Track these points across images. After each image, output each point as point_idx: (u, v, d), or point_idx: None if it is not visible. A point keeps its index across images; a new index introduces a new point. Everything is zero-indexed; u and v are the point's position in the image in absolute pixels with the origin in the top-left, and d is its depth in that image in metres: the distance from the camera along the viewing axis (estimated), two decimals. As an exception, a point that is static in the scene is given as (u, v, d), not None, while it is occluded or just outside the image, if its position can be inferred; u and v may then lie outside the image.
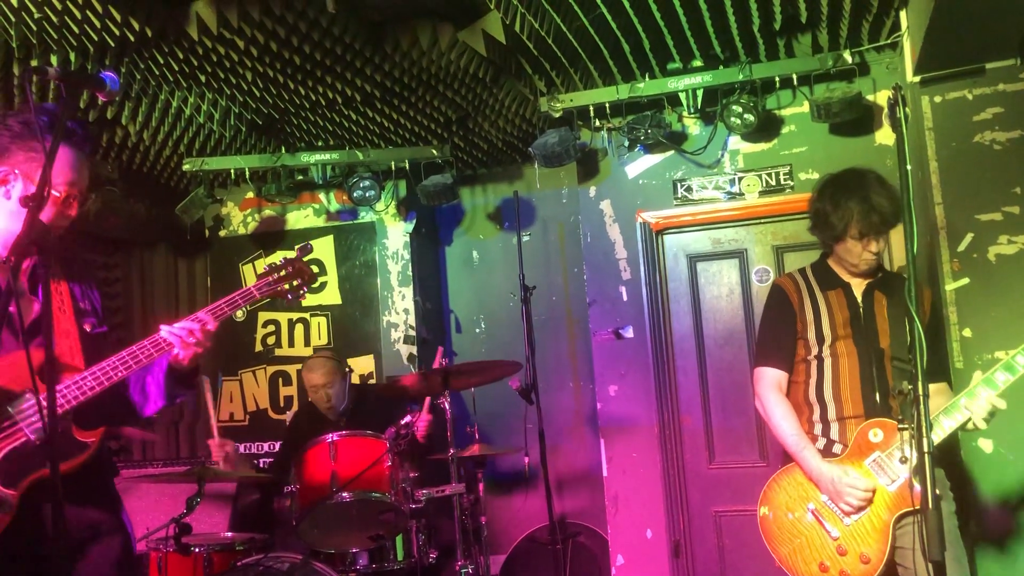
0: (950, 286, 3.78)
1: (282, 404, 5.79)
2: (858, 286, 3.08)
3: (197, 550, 3.94)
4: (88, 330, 2.39)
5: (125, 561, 2.35)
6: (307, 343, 5.78)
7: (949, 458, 3.74)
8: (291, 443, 4.61)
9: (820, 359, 3.04)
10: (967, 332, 3.75)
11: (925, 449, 2.04)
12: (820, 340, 3.04)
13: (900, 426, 2.73)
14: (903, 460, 2.77)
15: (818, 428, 3.02)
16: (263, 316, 5.87)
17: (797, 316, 3.09)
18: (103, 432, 2.30)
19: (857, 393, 2.96)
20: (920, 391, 2.05)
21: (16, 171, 2.24)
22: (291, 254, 2.77)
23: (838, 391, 2.99)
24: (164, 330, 2.35)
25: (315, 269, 5.77)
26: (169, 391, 2.44)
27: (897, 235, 3.05)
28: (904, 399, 2.79)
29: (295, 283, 2.70)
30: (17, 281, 2.23)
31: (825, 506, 2.92)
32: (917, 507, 2.73)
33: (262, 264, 5.86)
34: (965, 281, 3.75)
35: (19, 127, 2.25)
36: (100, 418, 2.33)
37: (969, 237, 3.78)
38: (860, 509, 2.84)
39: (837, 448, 2.96)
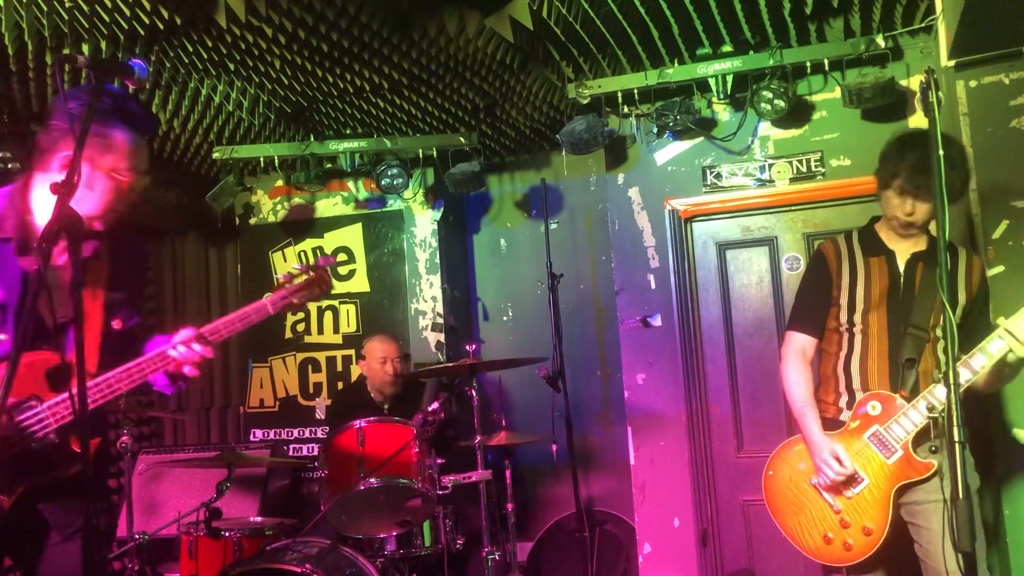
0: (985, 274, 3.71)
1: (311, 391, 5.83)
2: (903, 254, 3.00)
3: (227, 534, 3.98)
4: (117, 327, 2.40)
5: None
6: (336, 330, 5.81)
7: (984, 448, 3.69)
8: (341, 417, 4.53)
9: (851, 332, 3.01)
10: (1002, 320, 3.68)
11: (956, 438, 2.02)
12: (852, 308, 3.00)
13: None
14: (933, 449, 2.75)
15: (843, 400, 3.00)
16: (292, 303, 5.91)
17: (833, 282, 3.06)
18: (98, 443, 2.32)
19: (885, 368, 2.93)
20: (951, 380, 2.02)
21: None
22: (311, 259, 2.76)
23: (865, 365, 2.97)
24: (176, 352, 2.36)
25: (343, 257, 5.90)
26: (164, 383, 2.48)
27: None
28: (909, 371, 2.82)
29: (316, 291, 2.69)
30: (47, 271, 2.25)
31: None
32: (917, 478, 2.79)
33: (292, 252, 5.91)
34: (1001, 269, 3.69)
35: (86, 111, 2.21)
36: (100, 424, 2.36)
37: (1004, 224, 3.70)
38: (833, 488, 2.88)
39: (844, 416, 2.97)
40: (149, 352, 2.38)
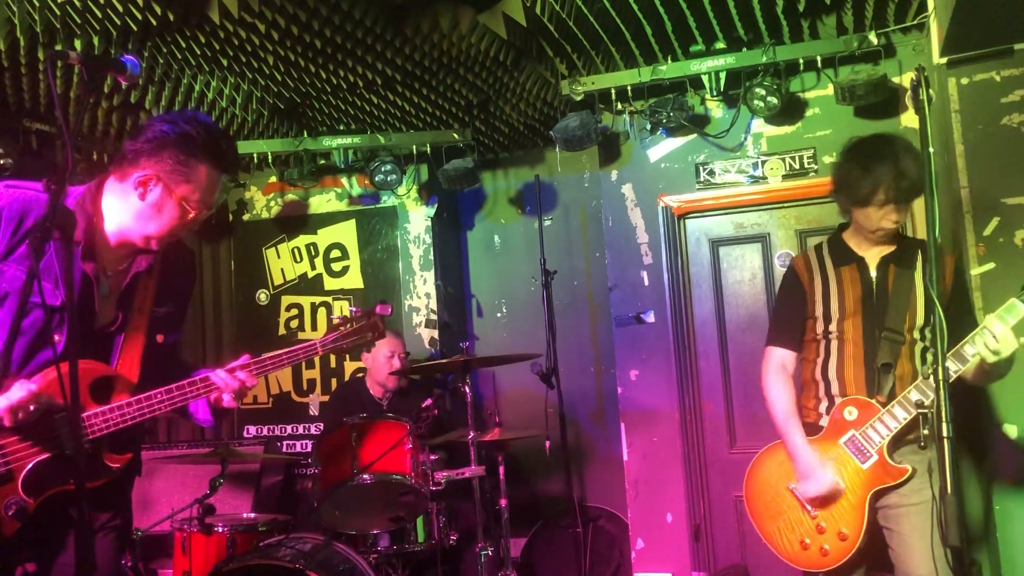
0: (976, 271, 3.72)
1: (305, 387, 5.83)
2: (873, 259, 3.02)
3: (220, 530, 3.99)
4: (159, 341, 2.41)
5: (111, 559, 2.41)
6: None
7: (976, 442, 3.71)
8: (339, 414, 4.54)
9: (827, 339, 3.03)
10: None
11: (944, 434, 2.03)
12: (827, 319, 3.02)
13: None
14: (922, 446, 2.76)
15: (823, 405, 3.02)
16: (286, 300, 5.91)
17: (807, 296, 3.09)
18: (130, 458, 2.33)
19: (861, 374, 2.94)
20: (940, 376, 2.03)
21: (159, 177, 2.24)
22: (364, 308, 2.76)
23: (842, 371, 2.98)
24: (216, 376, 2.38)
25: (337, 253, 5.90)
26: (205, 417, 2.51)
27: (920, 216, 3.00)
28: (885, 376, 2.85)
29: (368, 336, 2.71)
30: (101, 279, 2.28)
31: None
32: (891, 483, 2.81)
33: (285, 249, 5.91)
34: (991, 266, 3.70)
35: (177, 136, 2.24)
36: (135, 440, 2.37)
37: (995, 221, 3.72)
38: (817, 502, 2.90)
39: (824, 421, 2.98)
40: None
